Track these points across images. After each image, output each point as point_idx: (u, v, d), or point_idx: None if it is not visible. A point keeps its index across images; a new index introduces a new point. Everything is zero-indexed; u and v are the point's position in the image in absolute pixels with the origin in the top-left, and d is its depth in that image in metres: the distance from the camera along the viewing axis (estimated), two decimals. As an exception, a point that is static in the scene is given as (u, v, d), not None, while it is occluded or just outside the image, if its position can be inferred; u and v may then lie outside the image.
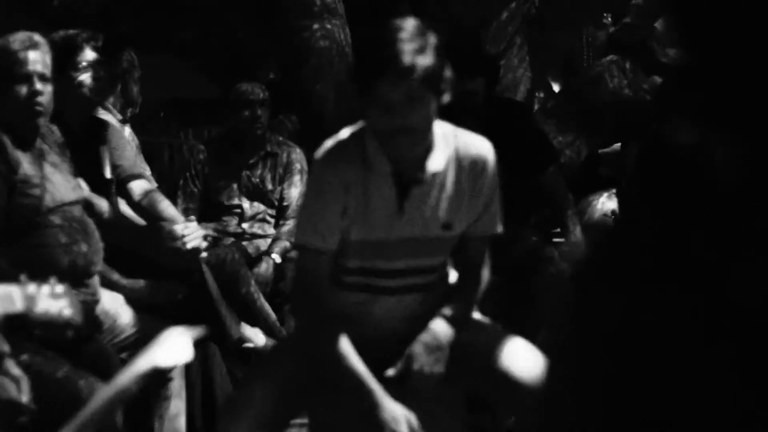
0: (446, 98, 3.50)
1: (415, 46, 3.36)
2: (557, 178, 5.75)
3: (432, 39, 3.42)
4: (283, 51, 7.46)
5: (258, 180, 6.44)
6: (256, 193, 6.42)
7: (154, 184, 5.58)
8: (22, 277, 3.24)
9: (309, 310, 3.69)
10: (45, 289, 3.25)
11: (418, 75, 3.35)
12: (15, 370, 3.64)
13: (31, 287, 3.21)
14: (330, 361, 3.57)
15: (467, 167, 3.66)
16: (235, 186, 6.43)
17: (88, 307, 4.27)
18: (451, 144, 3.66)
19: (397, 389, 3.64)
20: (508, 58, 8.23)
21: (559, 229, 5.88)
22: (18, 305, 3.16)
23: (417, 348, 3.66)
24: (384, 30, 3.42)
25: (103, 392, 2.65)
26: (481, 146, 3.72)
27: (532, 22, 8.39)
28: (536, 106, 8.34)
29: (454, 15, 7.65)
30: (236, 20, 7.38)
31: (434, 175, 3.61)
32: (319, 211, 3.61)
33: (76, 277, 4.18)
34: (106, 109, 5.70)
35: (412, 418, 3.56)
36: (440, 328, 3.70)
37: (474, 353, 3.72)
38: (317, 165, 3.65)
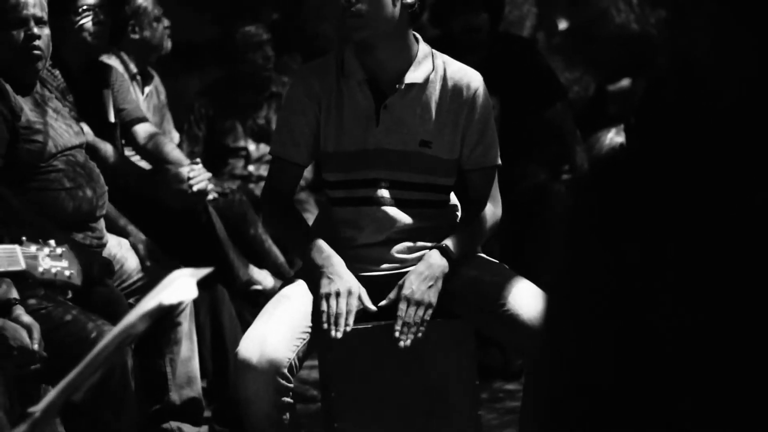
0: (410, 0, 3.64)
1: None
2: (565, 114, 5.74)
3: None
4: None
5: (264, 121, 6.42)
6: (261, 135, 6.39)
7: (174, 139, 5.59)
8: (24, 238, 3.23)
9: (275, 213, 3.89)
10: (46, 249, 3.25)
11: None
12: (25, 317, 3.64)
13: (33, 247, 3.21)
14: (290, 238, 3.87)
15: (451, 89, 3.74)
16: (240, 128, 6.41)
17: (96, 251, 4.27)
18: (437, 65, 3.77)
19: (389, 322, 3.66)
20: (512, -6, 8.17)
21: (567, 166, 5.86)
22: (21, 264, 3.16)
23: (410, 277, 3.68)
24: None
25: (111, 333, 2.64)
26: (470, 74, 3.80)
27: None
28: (542, 42, 8.28)
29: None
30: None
31: (410, 86, 3.71)
32: (288, 122, 3.80)
33: (81, 222, 4.17)
34: (118, 57, 5.66)
35: (362, 292, 3.64)
36: (435, 258, 3.70)
37: (480, 292, 3.72)
38: (292, 80, 3.76)
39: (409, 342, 3.58)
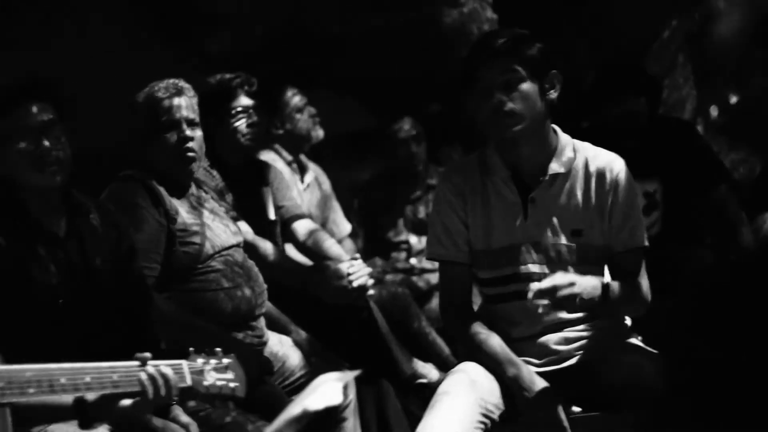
0: (553, 95, 3.68)
1: (513, 34, 3.64)
2: (729, 196, 5.58)
3: (536, 40, 3.67)
4: (443, 81, 7.43)
5: (423, 214, 6.42)
6: (422, 228, 6.39)
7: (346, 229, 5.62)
8: (191, 349, 3.26)
9: (457, 319, 3.82)
10: (212, 362, 3.27)
11: (514, 55, 3.60)
12: (183, 417, 3.65)
13: (199, 361, 3.23)
14: (480, 351, 3.71)
15: (594, 175, 3.74)
16: (400, 222, 6.42)
17: (257, 350, 4.28)
18: (578, 153, 3.77)
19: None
20: (672, 78, 8.05)
21: (733, 248, 5.69)
22: (187, 380, 3.18)
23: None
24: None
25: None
26: (611, 158, 3.79)
27: (693, 40, 8.19)
28: (704, 124, 8.13)
29: (615, 36, 7.51)
30: (393, 52, 7.38)
31: (555, 177, 3.72)
32: (441, 223, 3.81)
33: (240, 321, 4.19)
34: (273, 150, 5.73)
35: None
36: (592, 280, 3.61)
37: (641, 383, 3.60)
38: (438, 182, 3.77)
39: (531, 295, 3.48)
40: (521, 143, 3.69)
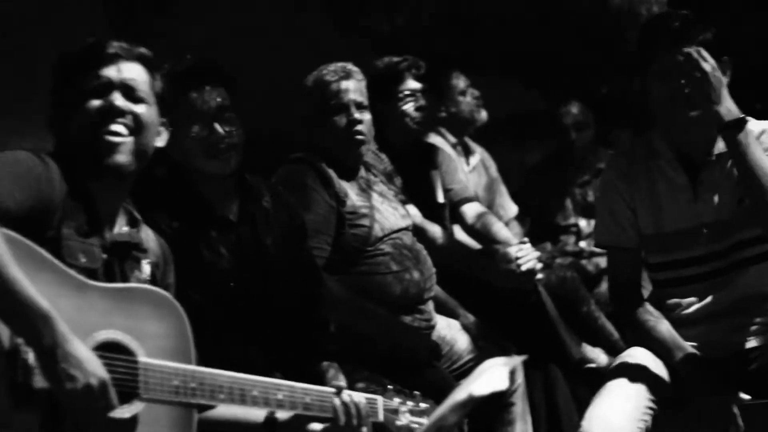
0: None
1: (689, 18, 3.57)
2: None
3: (710, 24, 3.59)
4: (613, 63, 7.35)
5: (593, 198, 6.35)
6: (591, 211, 6.31)
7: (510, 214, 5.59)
8: (390, 387, 3.28)
9: (626, 304, 3.75)
10: (409, 403, 3.27)
11: (691, 40, 3.51)
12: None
13: (396, 400, 3.23)
14: (649, 336, 3.66)
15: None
16: (569, 205, 6.36)
17: (425, 334, 4.28)
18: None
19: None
20: None
21: None
22: (379, 416, 3.18)
23: None
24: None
25: (423, 427, 2.64)
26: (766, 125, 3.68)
27: None
28: None
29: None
30: (562, 33, 7.31)
31: (722, 156, 3.64)
32: (608, 208, 3.77)
33: (408, 304, 4.19)
34: (438, 133, 5.74)
35: None
36: None
37: None
38: (603, 168, 3.71)
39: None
40: (694, 126, 3.61)
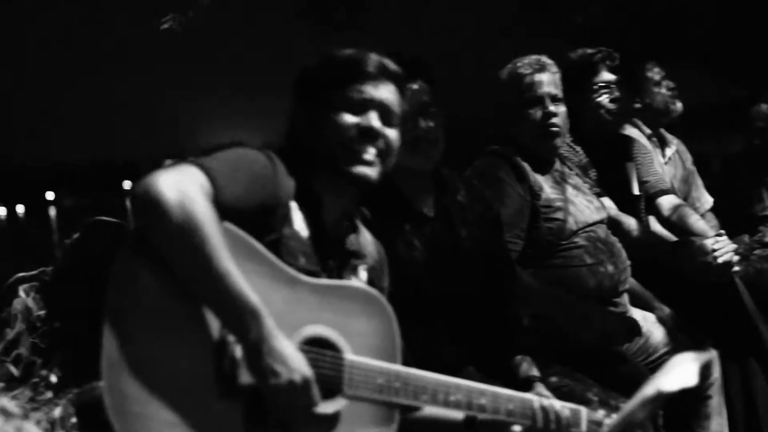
0: None
1: None
2: None
3: None
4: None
5: (791, 188, 6.21)
6: (791, 202, 6.19)
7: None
8: (595, 399, 3.30)
9: None
10: (614, 417, 3.22)
11: None
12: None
13: (600, 413, 3.20)
14: None
15: None
16: (766, 196, 6.23)
17: (624, 316, 4.26)
18: None
19: None
20: None
21: None
22: (581, 427, 3.14)
23: None
24: None
25: (612, 422, 2.65)
26: None
27: None
28: None
29: None
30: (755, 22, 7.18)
31: None
32: None
33: (603, 297, 4.19)
34: (633, 124, 5.70)
35: None
36: None
37: None
38: None
39: None
40: None
